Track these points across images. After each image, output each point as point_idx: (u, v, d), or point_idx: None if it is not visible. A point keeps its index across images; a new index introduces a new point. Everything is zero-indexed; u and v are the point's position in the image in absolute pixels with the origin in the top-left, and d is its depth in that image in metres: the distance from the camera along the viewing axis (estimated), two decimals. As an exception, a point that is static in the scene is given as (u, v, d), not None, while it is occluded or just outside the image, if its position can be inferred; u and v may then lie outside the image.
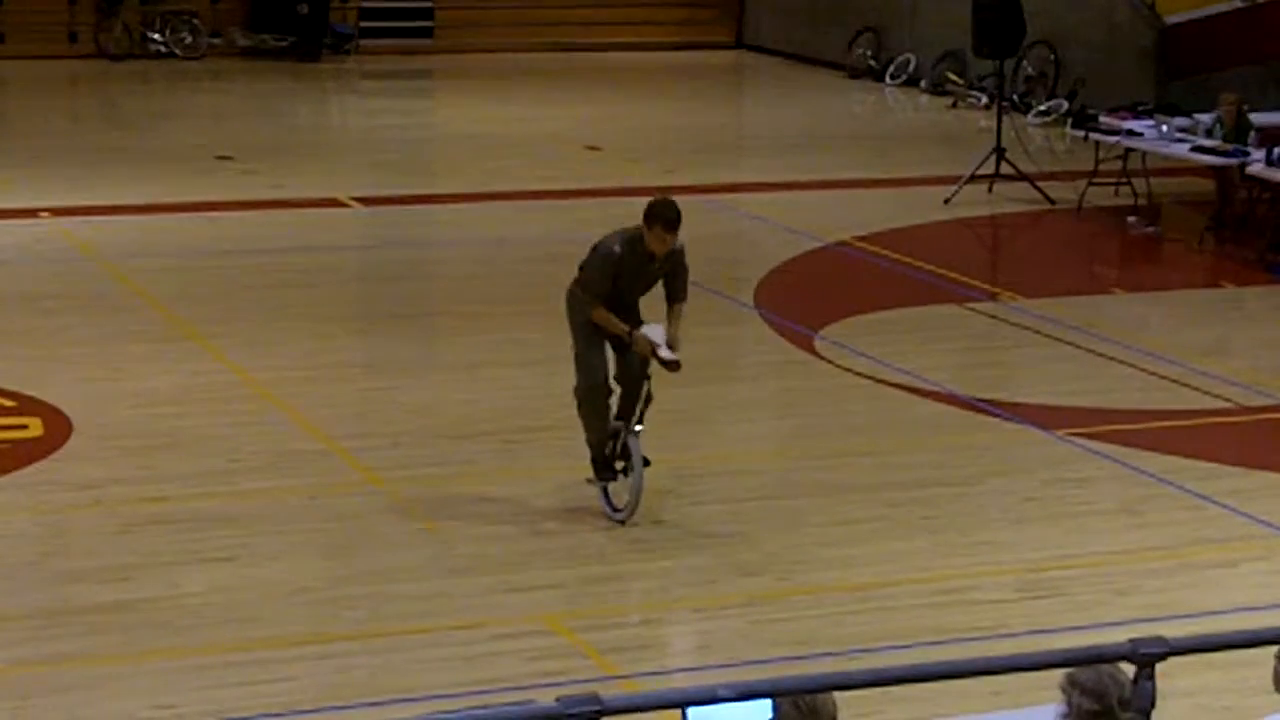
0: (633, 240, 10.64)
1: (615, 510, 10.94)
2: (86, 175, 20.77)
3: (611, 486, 10.99)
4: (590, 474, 11.00)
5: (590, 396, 10.82)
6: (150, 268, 16.72)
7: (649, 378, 10.84)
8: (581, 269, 10.84)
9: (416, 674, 9.04)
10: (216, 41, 29.65)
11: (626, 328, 10.68)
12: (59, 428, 12.39)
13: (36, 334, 14.58)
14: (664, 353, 10.62)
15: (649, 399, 10.89)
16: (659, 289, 10.92)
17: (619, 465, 10.96)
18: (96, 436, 12.23)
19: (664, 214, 10.60)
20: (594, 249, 10.77)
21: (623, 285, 10.70)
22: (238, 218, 18.97)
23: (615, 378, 10.87)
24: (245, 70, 28.95)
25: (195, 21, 29.50)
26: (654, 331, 10.72)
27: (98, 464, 11.75)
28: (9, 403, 12.90)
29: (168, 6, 29.46)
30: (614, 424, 10.89)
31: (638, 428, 10.84)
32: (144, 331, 14.67)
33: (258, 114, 25.96)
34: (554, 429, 12.28)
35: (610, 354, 10.86)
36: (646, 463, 10.84)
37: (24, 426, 12.47)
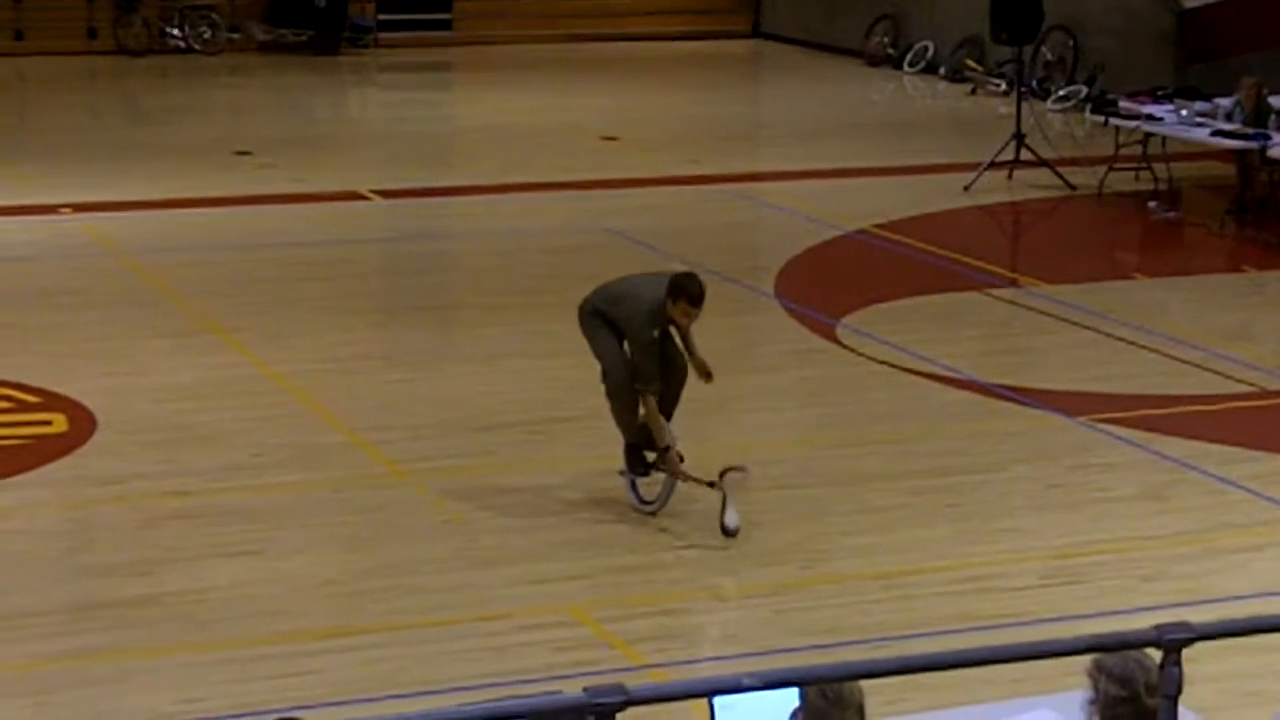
0: (656, 315, 10.66)
1: (644, 502, 10.94)
2: (106, 171, 20.81)
3: (642, 480, 10.99)
4: (622, 465, 10.98)
5: (619, 389, 10.84)
6: (171, 262, 16.76)
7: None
8: (599, 310, 10.80)
9: (442, 666, 9.06)
10: (235, 36, 29.69)
11: (668, 443, 10.71)
12: (83, 423, 12.42)
13: (59, 329, 14.61)
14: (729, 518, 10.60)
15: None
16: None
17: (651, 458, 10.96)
18: (120, 431, 12.26)
19: (689, 288, 10.65)
20: (618, 300, 10.73)
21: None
22: (257, 212, 18.99)
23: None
24: (264, 64, 28.98)
25: (214, 16, 29.54)
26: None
27: (121, 459, 11.78)
28: (32, 398, 12.94)
29: (186, 2, 29.50)
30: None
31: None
32: (165, 326, 14.70)
33: (277, 108, 26.00)
34: (577, 420, 12.30)
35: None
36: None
37: (48, 422, 12.50)
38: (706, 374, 10.93)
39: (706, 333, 14.56)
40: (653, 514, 10.86)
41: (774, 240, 18.47)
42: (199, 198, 19.42)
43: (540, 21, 31.46)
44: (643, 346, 10.68)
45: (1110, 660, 5.46)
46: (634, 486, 11.00)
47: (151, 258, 16.88)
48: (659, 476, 10.90)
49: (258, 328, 14.66)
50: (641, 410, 10.73)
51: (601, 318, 10.85)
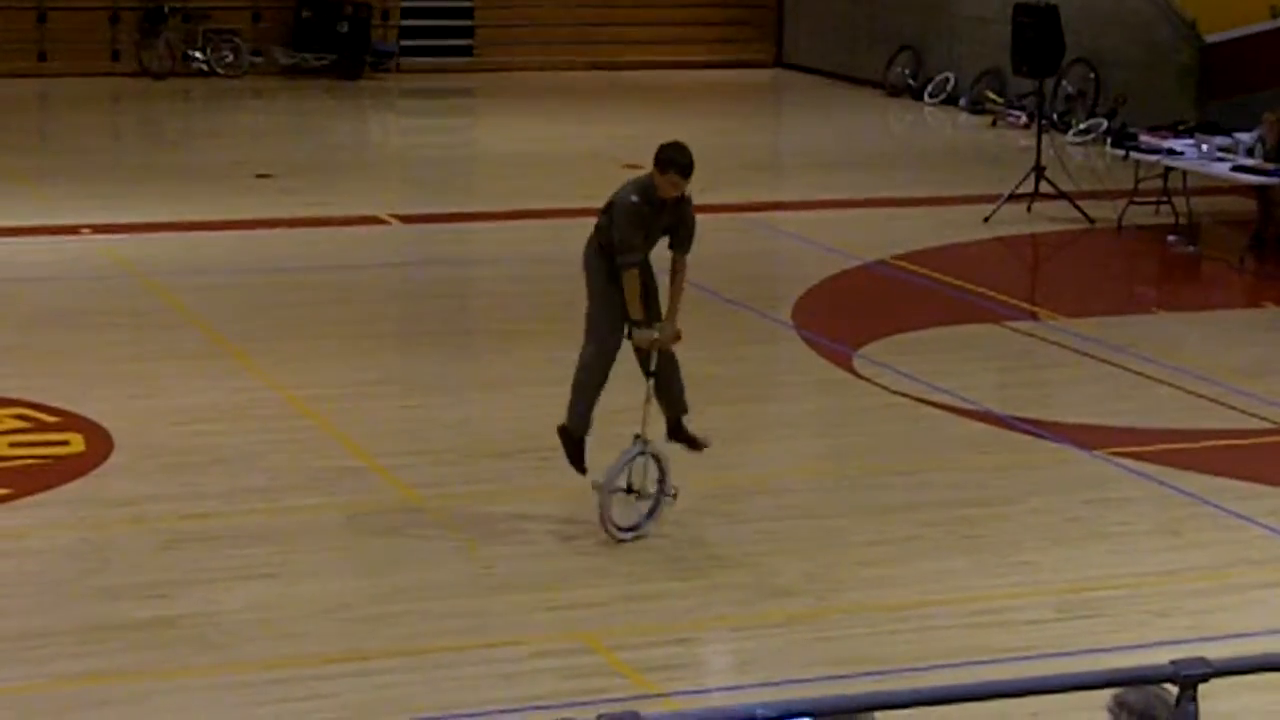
0: (645, 188, 10.69)
1: (620, 529, 10.86)
2: (128, 193, 20.87)
3: (618, 502, 10.95)
4: (598, 478, 10.89)
5: (595, 361, 10.80)
6: (191, 285, 16.79)
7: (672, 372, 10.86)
8: (600, 229, 10.81)
9: (455, 692, 9.05)
10: (258, 60, 29.78)
11: (643, 313, 10.68)
12: (100, 444, 12.44)
13: (78, 350, 14.64)
14: (647, 333, 10.67)
15: (671, 388, 10.88)
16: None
17: (637, 485, 10.91)
18: (137, 453, 12.28)
19: (678, 159, 10.67)
20: (611, 205, 10.78)
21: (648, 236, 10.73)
22: (277, 235, 19.04)
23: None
24: (286, 88, 29.07)
25: (237, 40, 29.64)
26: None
27: (139, 480, 11.79)
28: (51, 419, 12.96)
29: (210, 25, 29.61)
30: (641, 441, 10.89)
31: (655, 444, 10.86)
32: (185, 348, 14.73)
33: (298, 132, 26.07)
34: (594, 447, 12.26)
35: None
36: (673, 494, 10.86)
37: (65, 443, 12.52)
38: (674, 336, 10.77)
39: (724, 361, 14.61)
40: (627, 540, 10.80)
41: (792, 270, 18.47)
42: (219, 220, 19.47)
43: (561, 49, 31.53)
44: (624, 211, 10.63)
45: (1131, 695, 5.45)
46: (604, 518, 10.87)
47: (171, 280, 16.92)
48: (635, 501, 10.85)
49: (276, 351, 14.68)
50: (626, 280, 10.61)
51: (602, 252, 10.78)
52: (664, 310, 10.91)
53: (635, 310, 10.69)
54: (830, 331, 15.76)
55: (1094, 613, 10.13)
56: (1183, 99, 24.48)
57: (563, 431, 11.05)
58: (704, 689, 9.27)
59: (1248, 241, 18.87)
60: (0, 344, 14.76)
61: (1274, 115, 19.44)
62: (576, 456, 11.00)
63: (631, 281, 10.65)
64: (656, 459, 10.94)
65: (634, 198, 10.68)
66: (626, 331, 10.80)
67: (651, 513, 10.96)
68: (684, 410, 11.02)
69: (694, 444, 11.08)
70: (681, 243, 10.85)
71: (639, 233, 10.67)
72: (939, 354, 15.14)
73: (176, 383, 13.81)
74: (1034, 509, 11.72)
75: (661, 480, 10.94)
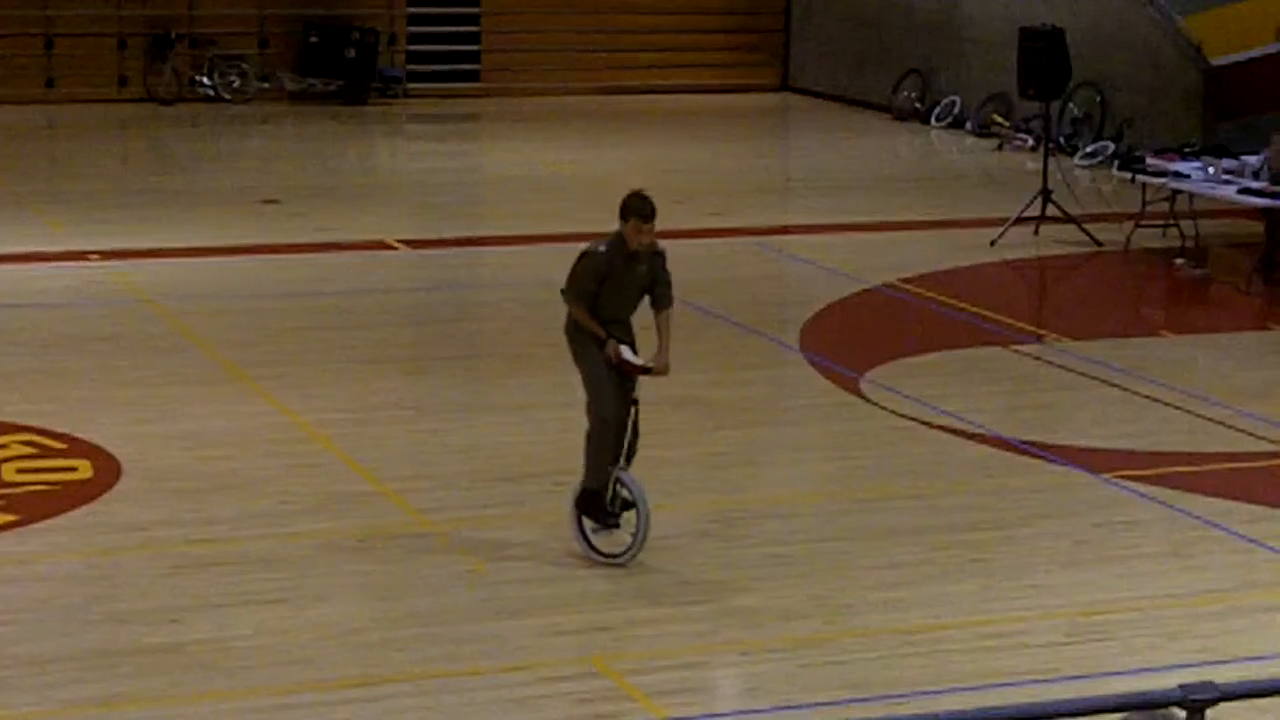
0: (615, 242, 10.73)
1: (606, 555, 10.89)
2: (136, 218, 20.92)
3: (602, 536, 10.97)
4: (591, 524, 10.94)
5: (601, 430, 10.83)
6: (199, 310, 16.82)
7: (635, 404, 10.87)
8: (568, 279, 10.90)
9: (465, 716, 9.05)
10: (265, 85, 29.85)
11: (604, 333, 10.72)
12: (109, 470, 12.45)
13: (86, 376, 14.67)
14: (630, 357, 10.71)
15: (636, 433, 10.89)
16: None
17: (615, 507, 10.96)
18: (146, 478, 12.29)
19: (639, 208, 10.71)
20: (579, 256, 10.82)
21: (610, 288, 10.73)
22: (286, 260, 19.07)
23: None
24: (293, 114, 29.13)
25: (244, 65, 29.71)
26: (625, 350, 10.80)
27: (147, 506, 11.81)
28: (59, 445, 12.98)
29: (217, 51, 29.68)
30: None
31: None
32: (193, 374, 14.75)
33: (305, 157, 26.12)
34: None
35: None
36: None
37: (74, 469, 12.54)
38: (644, 369, 10.80)
39: (731, 384, 14.62)
40: (622, 565, 10.82)
41: (799, 294, 18.49)
42: (227, 246, 19.51)
43: (568, 74, 31.59)
44: (584, 255, 10.73)
45: (1138, 719, 5.45)
46: (586, 537, 10.94)
47: (180, 305, 16.95)
48: (623, 527, 10.89)
49: (285, 376, 14.70)
50: (575, 312, 10.73)
51: (566, 292, 10.85)
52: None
53: (594, 328, 10.75)
54: (838, 355, 15.77)
55: (1103, 636, 10.12)
56: (1189, 121, 24.50)
57: (586, 495, 10.98)
58: (714, 714, 9.27)
59: (1254, 264, 18.88)
60: (8, 370, 14.79)
61: (1281, 138, 19.46)
62: (597, 509, 10.96)
63: (580, 308, 10.73)
64: (626, 485, 10.91)
65: (601, 248, 10.75)
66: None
67: (630, 548, 10.93)
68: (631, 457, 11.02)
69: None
70: (660, 300, 10.92)
71: (590, 281, 10.72)
72: (946, 377, 15.14)
73: (184, 408, 13.83)
74: (1043, 532, 11.72)
75: (635, 506, 10.92)
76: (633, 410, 10.87)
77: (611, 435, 10.83)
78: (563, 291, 10.87)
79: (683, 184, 23.55)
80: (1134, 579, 10.95)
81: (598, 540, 10.96)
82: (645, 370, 10.83)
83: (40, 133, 27.91)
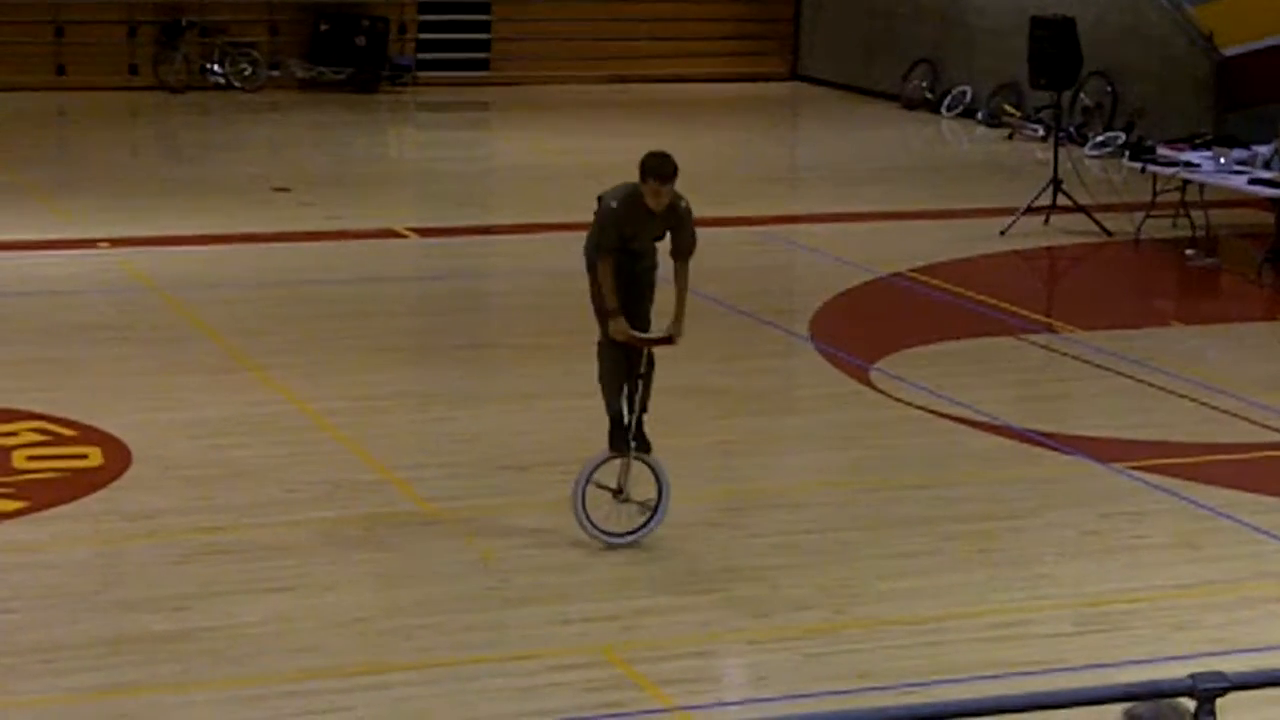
0: (631, 195, 10.72)
1: (603, 531, 10.90)
2: (145, 206, 20.91)
3: (610, 509, 10.96)
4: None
5: (603, 350, 10.89)
6: (208, 298, 16.82)
7: (648, 372, 10.90)
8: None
9: (473, 705, 9.06)
10: (275, 74, 29.83)
11: (616, 304, 10.70)
12: (118, 457, 12.46)
13: (96, 364, 14.67)
14: (641, 335, 10.75)
15: (645, 394, 10.92)
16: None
17: (623, 487, 10.98)
18: (155, 466, 12.30)
19: (656, 169, 10.69)
20: (599, 201, 10.82)
21: (628, 236, 10.73)
22: (295, 249, 19.07)
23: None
24: (303, 102, 29.12)
25: (254, 54, 29.69)
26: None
27: (156, 494, 11.81)
28: (69, 432, 12.99)
29: (227, 39, 29.66)
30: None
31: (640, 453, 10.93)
32: (202, 362, 14.75)
33: (315, 145, 26.12)
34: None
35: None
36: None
37: (84, 456, 12.55)
38: (660, 340, 10.84)
39: (741, 374, 14.63)
40: (612, 545, 10.86)
41: (809, 283, 18.47)
42: (237, 234, 19.51)
43: (578, 63, 31.56)
44: (601, 213, 10.76)
45: (1144, 709, 5.43)
46: (585, 514, 10.89)
47: (189, 293, 16.95)
48: (624, 506, 10.90)
49: (294, 364, 14.70)
50: (600, 269, 10.76)
51: (591, 245, 10.90)
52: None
53: (609, 298, 10.75)
54: (847, 344, 15.76)
55: (1112, 627, 10.11)
56: (1200, 111, 24.46)
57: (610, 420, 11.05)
58: (722, 702, 9.27)
59: (1265, 254, 18.85)
60: (18, 357, 14.80)
61: (1292, 128, 19.43)
62: (616, 437, 10.96)
63: (605, 264, 10.73)
64: (651, 467, 10.95)
65: (614, 203, 10.76)
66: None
67: (644, 525, 10.96)
68: (645, 409, 11.01)
69: (646, 444, 11.04)
70: (679, 250, 10.90)
71: (612, 233, 10.74)
72: (956, 367, 15.13)
73: (194, 396, 13.83)
74: (1051, 523, 11.71)
75: (659, 492, 10.95)
76: (645, 365, 10.85)
77: (609, 359, 10.82)
78: (585, 249, 10.83)
79: (692, 173, 23.48)
80: (1142, 569, 10.94)
81: (600, 518, 10.93)
82: (664, 340, 10.82)
83: (50, 120, 27.91)
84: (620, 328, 10.73)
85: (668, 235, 10.96)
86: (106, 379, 14.26)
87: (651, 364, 10.93)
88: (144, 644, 9.66)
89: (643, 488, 11.05)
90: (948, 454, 12.97)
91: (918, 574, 10.79)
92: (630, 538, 10.97)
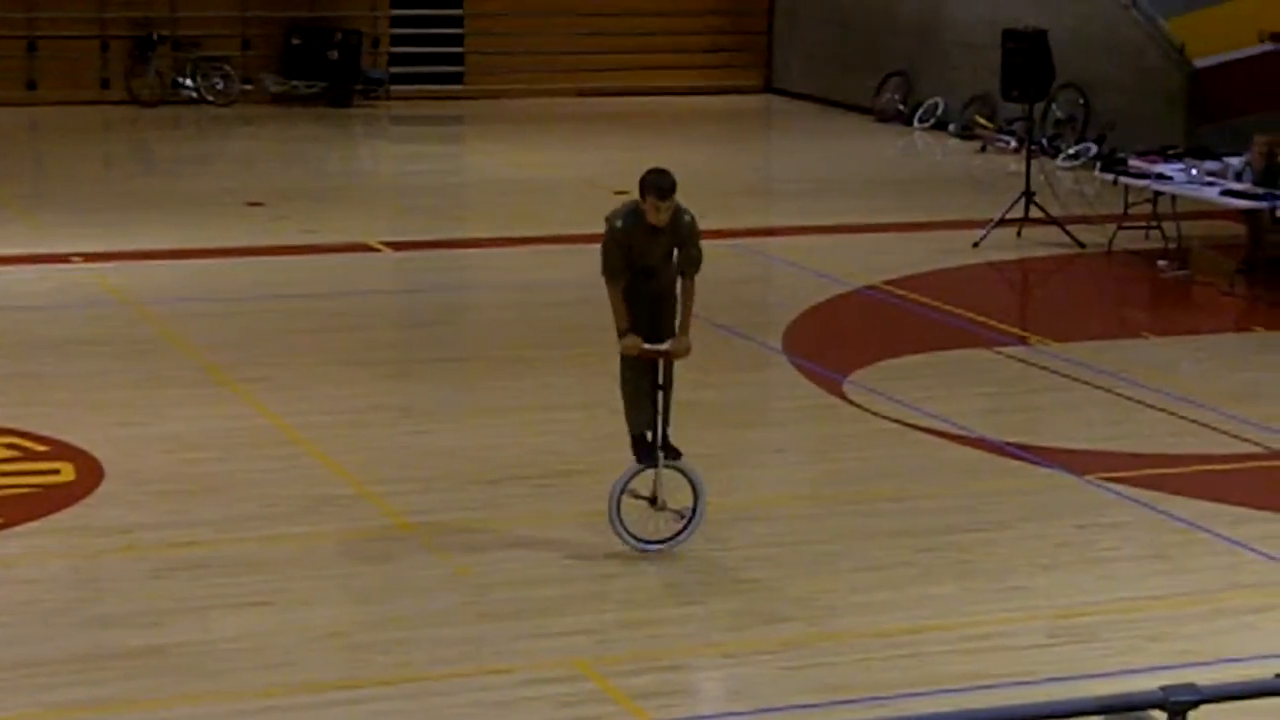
0: (634, 213, 10.80)
1: (640, 540, 10.98)
2: (118, 221, 20.89)
3: (644, 516, 11.01)
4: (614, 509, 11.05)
5: (625, 370, 10.96)
6: (182, 313, 16.80)
7: (668, 384, 10.97)
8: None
9: (448, 719, 9.04)
10: (248, 88, 29.83)
11: (626, 325, 10.78)
12: (91, 473, 12.43)
13: (69, 379, 14.64)
14: (647, 346, 10.83)
15: (665, 405, 10.99)
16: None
17: (658, 496, 11.06)
18: (128, 481, 12.28)
19: (655, 185, 10.75)
20: (606, 222, 10.92)
21: (635, 255, 10.81)
22: (269, 263, 19.05)
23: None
24: (276, 116, 29.11)
25: (227, 68, 29.68)
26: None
27: (130, 509, 11.79)
28: (41, 447, 12.96)
29: (199, 53, 29.65)
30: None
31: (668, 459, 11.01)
32: (176, 376, 14.73)
33: (289, 159, 26.10)
34: (587, 473, 12.30)
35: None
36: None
37: (56, 471, 12.52)
38: (680, 350, 10.89)
39: (715, 386, 14.62)
40: (649, 550, 10.91)
41: (782, 295, 18.50)
42: (211, 248, 19.49)
43: (552, 76, 31.60)
44: (607, 234, 10.80)
45: (1117, 722, 5.46)
46: (622, 524, 10.96)
47: (163, 308, 16.93)
48: (662, 513, 10.95)
49: (268, 379, 14.69)
50: (610, 294, 10.82)
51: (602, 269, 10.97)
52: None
53: (619, 320, 10.82)
54: (820, 357, 15.78)
55: (1085, 638, 10.13)
56: (1172, 123, 24.54)
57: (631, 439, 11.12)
58: (697, 716, 9.27)
59: (1237, 265, 18.91)
60: (-9, 373, 14.76)
61: (1263, 139, 19.49)
62: (640, 453, 11.03)
63: (611, 297, 10.82)
64: (684, 473, 11.05)
65: (619, 222, 10.81)
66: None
67: (682, 531, 11.06)
68: (667, 421, 11.10)
69: (675, 452, 11.11)
70: (684, 266, 10.93)
71: (618, 256, 10.79)
72: (929, 379, 15.16)
73: (168, 410, 13.81)
74: (1025, 534, 11.73)
75: (695, 497, 11.06)
76: (664, 377, 10.94)
77: (631, 380, 10.90)
78: (602, 273, 10.94)
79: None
80: (1116, 581, 10.97)
81: (633, 524, 11.00)
82: (662, 353, 10.87)
83: (22, 135, 27.87)
84: (630, 344, 10.79)
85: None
86: (79, 394, 14.23)
87: (671, 376, 10.99)
88: (118, 659, 9.63)
89: (682, 494, 11.10)
90: (922, 466, 13.00)
91: (893, 586, 10.80)
92: (667, 544, 11.02)
